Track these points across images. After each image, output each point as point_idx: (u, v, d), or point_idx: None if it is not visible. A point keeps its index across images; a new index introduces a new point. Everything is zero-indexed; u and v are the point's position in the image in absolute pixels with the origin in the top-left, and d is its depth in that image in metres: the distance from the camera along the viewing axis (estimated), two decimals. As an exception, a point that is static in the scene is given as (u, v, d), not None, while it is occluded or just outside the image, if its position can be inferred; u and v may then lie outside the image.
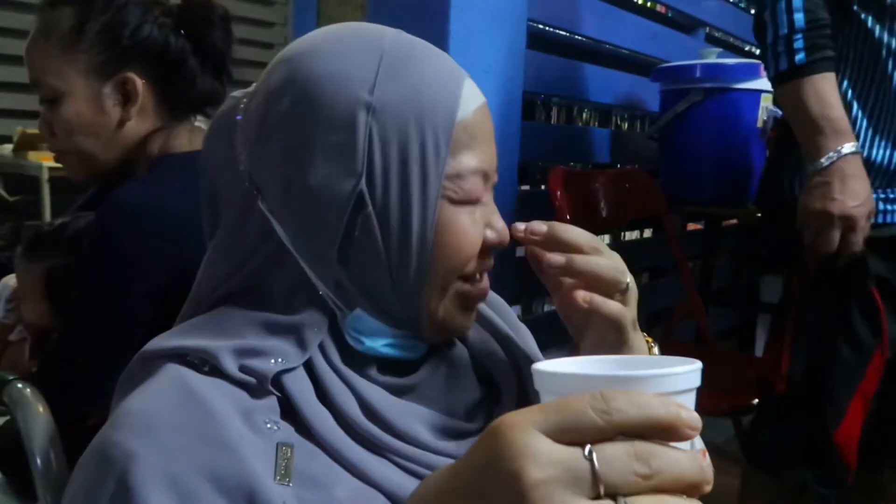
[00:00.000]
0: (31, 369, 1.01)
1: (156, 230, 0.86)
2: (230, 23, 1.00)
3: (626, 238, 2.58)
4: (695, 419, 0.33)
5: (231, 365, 0.49)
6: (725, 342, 1.90)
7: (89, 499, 0.44)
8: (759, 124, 1.89)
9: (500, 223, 0.56)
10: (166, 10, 0.96)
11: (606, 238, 2.43)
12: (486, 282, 0.58)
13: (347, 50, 0.53)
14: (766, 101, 1.89)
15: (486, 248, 0.56)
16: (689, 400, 0.36)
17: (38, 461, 0.63)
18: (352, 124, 0.51)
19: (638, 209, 1.80)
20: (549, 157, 1.85)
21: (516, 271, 1.69)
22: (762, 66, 1.86)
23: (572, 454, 0.31)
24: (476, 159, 0.54)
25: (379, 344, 0.54)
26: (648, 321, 2.53)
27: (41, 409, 0.66)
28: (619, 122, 2.37)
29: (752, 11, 2.77)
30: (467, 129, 0.53)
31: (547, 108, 2.08)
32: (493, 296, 0.66)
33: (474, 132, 0.54)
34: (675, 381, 0.35)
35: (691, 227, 2.62)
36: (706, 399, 0.42)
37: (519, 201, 1.65)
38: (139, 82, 0.93)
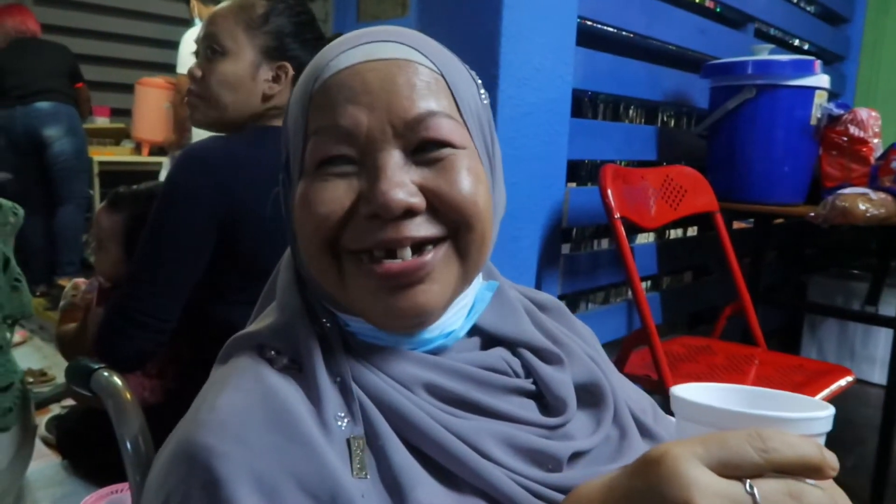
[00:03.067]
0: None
1: (209, 170, 1.02)
2: None
3: (671, 236, 2.55)
4: (835, 461, 0.35)
5: (320, 369, 0.49)
6: (768, 342, 1.91)
7: (177, 493, 0.44)
8: (813, 122, 1.86)
9: (378, 190, 0.48)
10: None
11: (651, 236, 2.41)
12: (398, 262, 0.49)
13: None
14: (819, 99, 1.85)
15: (368, 219, 0.49)
16: (823, 441, 0.38)
17: (129, 445, 0.66)
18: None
19: (687, 207, 1.79)
20: (595, 154, 1.85)
21: (563, 269, 1.69)
22: (815, 63, 1.84)
23: (735, 488, 0.34)
24: (326, 118, 0.49)
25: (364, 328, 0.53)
26: (692, 319, 2.51)
27: (129, 395, 0.69)
28: (665, 118, 2.35)
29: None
30: (327, 90, 0.50)
31: (594, 105, 2.07)
32: (550, 300, 0.65)
33: (331, 92, 0.50)
34: (819, 424, 0.38)
35: (737, 225, 2.59)
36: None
37: (567, 199, 1.65)
38: (291, 73, 1.17)
